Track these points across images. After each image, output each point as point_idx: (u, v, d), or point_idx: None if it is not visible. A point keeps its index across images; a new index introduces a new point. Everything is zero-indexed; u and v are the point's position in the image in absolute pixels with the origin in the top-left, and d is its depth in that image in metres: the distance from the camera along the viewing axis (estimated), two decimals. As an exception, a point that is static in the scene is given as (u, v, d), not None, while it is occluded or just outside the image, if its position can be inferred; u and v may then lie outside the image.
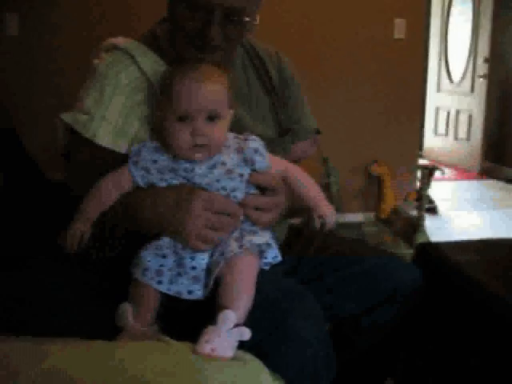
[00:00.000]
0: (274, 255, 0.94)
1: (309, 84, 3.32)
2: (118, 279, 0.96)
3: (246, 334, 0.84)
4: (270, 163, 0.98)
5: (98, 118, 1.01)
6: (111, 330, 0.91)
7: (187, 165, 0.94)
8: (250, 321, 0.88)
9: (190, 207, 0.90)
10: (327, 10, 3.31)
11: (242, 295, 0.87)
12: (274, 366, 0.85)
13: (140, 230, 0.95)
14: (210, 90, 0.92)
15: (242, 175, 0.95)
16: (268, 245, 0.94)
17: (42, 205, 1.21)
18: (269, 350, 0.86)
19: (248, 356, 0.84)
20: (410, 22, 3.40)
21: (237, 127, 1.02)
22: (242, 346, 0.85)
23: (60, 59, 2.98)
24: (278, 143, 1.16)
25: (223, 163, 0.94)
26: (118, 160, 0.99)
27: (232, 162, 0.95)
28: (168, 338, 0.86)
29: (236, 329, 0.84)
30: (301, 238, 1.25)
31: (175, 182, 0.94)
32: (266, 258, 0.94)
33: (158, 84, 1.00)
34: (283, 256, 0.97)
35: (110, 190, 0.96)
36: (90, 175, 0.98)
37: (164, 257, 0.91)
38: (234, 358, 0.82)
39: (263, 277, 0.93)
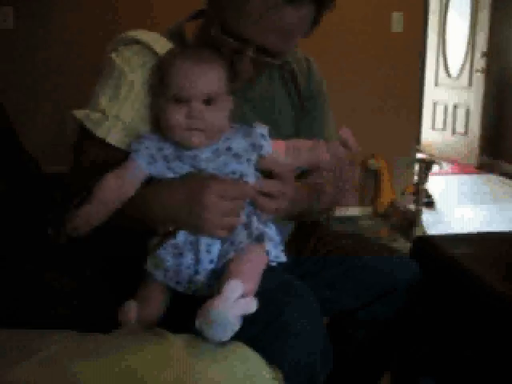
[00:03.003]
0: (276, 254, 0.93)
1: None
2: (117, 274, 0.96)
3: (253, 305, 0.80)
4: (275, 149, 0.95)
5: (111, 117, 0.97)
6: (108, 324, 0.90)
7: (190, 152, 0.92)
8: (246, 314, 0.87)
9: (204, 200, 0.88)
10: (325, 3, 3.30)
11: (251, 272, 0.84)
12: (270, 360, 0.84)
13: (152, 227, 0.93)
14: (207, 72, 0.90)
15: (249, 160, 0.93)
16: (272, 242, 0.92)
17: (41, 202, 1.20)
18: (265, 343, 0.86)
19: (245, 348, 0.84)
20: (407, 15, 3.39)
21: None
22: (238, 339, 0.84)
23: (56, 53, 2.97)
24: None
25: (228, 148, 0.92)
26: (119, 161, 0.96)
27: (240, 146, 0.93)
28: (164, 331, 0.85)
29: (243, 299, 0.80)
30: (297, 238, 1.24)
31: (183, 171, 0.92)
32: (268, 254, 0.92)
33: None
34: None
35: (111, 186, 0.91)
36: (91, 178, 0.93)
37: (181, 255, 0.90)
38: (230, 351, 0.82)
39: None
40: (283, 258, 0.94)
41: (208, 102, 0.90)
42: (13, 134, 1.31)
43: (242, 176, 0.93)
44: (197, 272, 0.89)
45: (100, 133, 0.97)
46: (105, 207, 0.91)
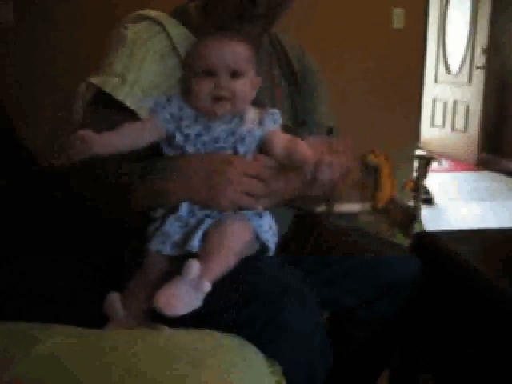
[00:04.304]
0: (265, 238, 0.94)
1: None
2: (112, 268, 0.96)
3: (205, 285, 0.82)
4: (278, 130, 0.98)
5: (130, 82, 0.98)
6: (103, 320, 0.91)
7: (207, 118, 0.95)
8: (245, 313, 0.87)
9: (229, 175, 0.89)
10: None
11: (215, 251, 0.86)
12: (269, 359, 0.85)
13: (160, 199, 0.92)
14: (234, 48, 0.96)
15: (251, 131, 0.95)
16: (263, 229, 0.94)
17: (39, 199, 1.20)
18: (264, 342, 0.86)
19: (244, 342, 0.84)
20: (408, 11, 3.38)
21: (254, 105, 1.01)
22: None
23: (56, 48, 2.96)
24: (296, 133, 1.14)
25: (241, 117, 0.96)
26: None
27: (250, 116, 0.97)
28: (161, 325, 0.86)
29: (197, 279, 0.82)
30: (296, 237, 1.24)
31: (192, 132, 0.94)
32: (261, 231, 0.94)
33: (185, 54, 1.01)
34: (282, 250, 0.95)
35: (130, 131, 0.92)
36: None
37: (186, 225, 0.91)
38: (229, 345, 0.82)
39: (259, 269, 0.93)
40: (271, 248, 0.95)
41: (235, 75, 0.95)
42: (13, 130, 1.31)
43: (238, 141, 0.95)
44: (197, 227, 0.90)
45: (120, 96, 0.98)
46: (117, 138, 0.91)
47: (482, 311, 1.16)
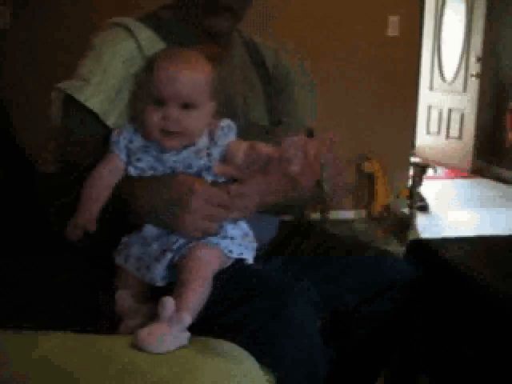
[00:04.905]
0: (239, 252, 0.93)
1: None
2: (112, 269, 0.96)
3: (186, 320, 0.80)
4: (235, 146, 0.94)
5: (93, 84, 1.00)
6: (105, 321, 0.91)
7: (159, 148, 0.93)
8: (247, 309, 0.88)
9: (192, 204, 0.89)
10: (321, 7, 3.31)
11: (189, 283, 0.84)
12: (270, 354, 0.85)
13: (132, 219, 0.94)
14: (187, 77, 0.91)
15: (209, 154, 0.93)
16: (232, 240, 0.92)
17: (33, 199, 1.20)
18: (266, 338, 0.86)
19: (240, 350, 0.83)
20: (403, 19, 3.40)
21: (231, 112, 1.01)
22: (234, 341, 0.84)
23: (53, 53, 2.96)
24: (271, 132, 1.16)
25: (193, 144, 0.93)
26: (101, 134, 0.98)
27: (202, 143, 0.93)
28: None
29: (175, 315, 0.80)
30: (294, 237, 1.25)
31: (143, 164, 0.93)
32: (231, 252, 0.92)
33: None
34: (271, 255, 0.95)
35: (105, 175, 0.93)
36: (78, 146, 0.98)
37: (148, 245, 0.91)
38: (226, 352, 0.82)
39: (262, 267, 0.94)
40: (249, 258, 0.94)
41: (186, 106, 0.91)
42: (10, 132, 1.31)
43: (200, 171, 0.93)
44: (158, 260, 0.89)
45: (82, 98, 1.00)
46: (98, 203, 0.92)
47: (475, 315, 1.17)
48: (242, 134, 0.99)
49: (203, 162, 0.93)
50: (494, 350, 1.12)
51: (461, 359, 1.22)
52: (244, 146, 0.93)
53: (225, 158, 0.94)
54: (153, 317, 0.83)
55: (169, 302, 0.80)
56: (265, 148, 0.90)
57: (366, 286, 1.16)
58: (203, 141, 0.94)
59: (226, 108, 0.98)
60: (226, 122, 0.95)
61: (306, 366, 0.89)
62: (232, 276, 0.91)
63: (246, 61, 1.20)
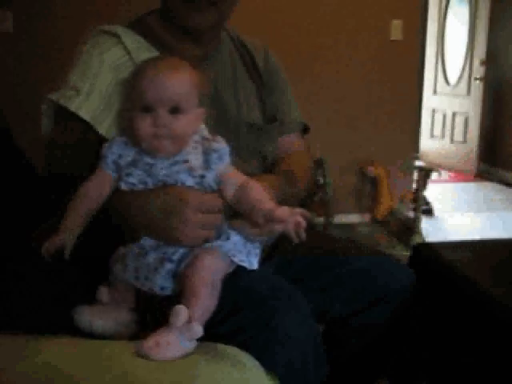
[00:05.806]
0: (240, 259, 0.92)
1: (305, 85, 3.33)
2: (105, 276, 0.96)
3: (197, 331, 0.80)
4: (227, 170, 0.93)
5: (83, 93, 1.00)
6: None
7: (148, 159, 0.92)
8: (238, 319, 0.88)
9: (183, 215, 0.89)
10: (324, 11, 3.31)
11: (198, 292, 0.84)
12: (262, 365, 0.84)
13: (129, 233, 0.94)
14: (174, 82, 0.91)
15: (203, 177, 0.92)
16: (236, 248, 0.92)
17: (32, 203, 1.20)
18: (257, 348, 0.86)
19: (241, 353, 0.83)
20: (406, 23, 3.40)
21: (221, 112, 1.02)
22: (230, 343, 0.84)
23: (55, 57, 2.97)
24: (265, 130, 1.17)
25: (186, 161, 0.92)
26: (95, 143, 0.98)
27: (197, 162, 0.92)
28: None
29: (186, 325, 0.80)
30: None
31: (133, 179, 0.92)
32: (234, 256, 0.91)
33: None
34: (270, 258, 0.94)
35: (91, 191, 0.93)
36: (69, 156, 0.99)
37: (145, 256, 0.91)
38: (227, 355, 0.81)
39: (252, 275, 0.93)
40: (253, 265, 0.94)
41: (174, 110, 0.91)
42: (10, 136, 1.31)
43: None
44: (156, 270, 0.89)
45: (73, 107, 1.00)
46: (79, 219, 0.92)
47: (480, 321, 1.16)
48: (234, 134, 1.00)
49: (196, 181, 0.92)
50: (494, 356, 1.11)
51: (463, 367, 1.21)
52: (236, 182, 0.92)
53: (217, 186, 0.93)
54: (121, 323, 0.87)
55: (182, 311, 0.79)
56: (253, 194, 0.90)
57: (356, 298, 1.15)
58: (196, 158, 0.92)
59: (216, 109, 0.99)
60: (221, 146, 0.94)
61: (298, 375, 0.89)
62: (225, 285, 0.89)
63: (236, 60, 1.20)
